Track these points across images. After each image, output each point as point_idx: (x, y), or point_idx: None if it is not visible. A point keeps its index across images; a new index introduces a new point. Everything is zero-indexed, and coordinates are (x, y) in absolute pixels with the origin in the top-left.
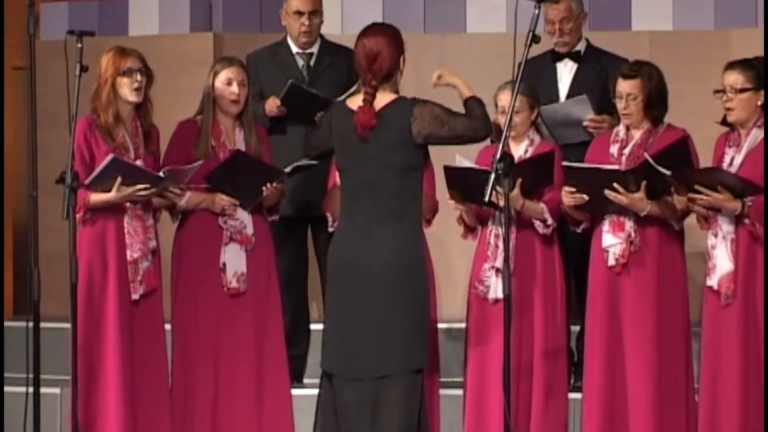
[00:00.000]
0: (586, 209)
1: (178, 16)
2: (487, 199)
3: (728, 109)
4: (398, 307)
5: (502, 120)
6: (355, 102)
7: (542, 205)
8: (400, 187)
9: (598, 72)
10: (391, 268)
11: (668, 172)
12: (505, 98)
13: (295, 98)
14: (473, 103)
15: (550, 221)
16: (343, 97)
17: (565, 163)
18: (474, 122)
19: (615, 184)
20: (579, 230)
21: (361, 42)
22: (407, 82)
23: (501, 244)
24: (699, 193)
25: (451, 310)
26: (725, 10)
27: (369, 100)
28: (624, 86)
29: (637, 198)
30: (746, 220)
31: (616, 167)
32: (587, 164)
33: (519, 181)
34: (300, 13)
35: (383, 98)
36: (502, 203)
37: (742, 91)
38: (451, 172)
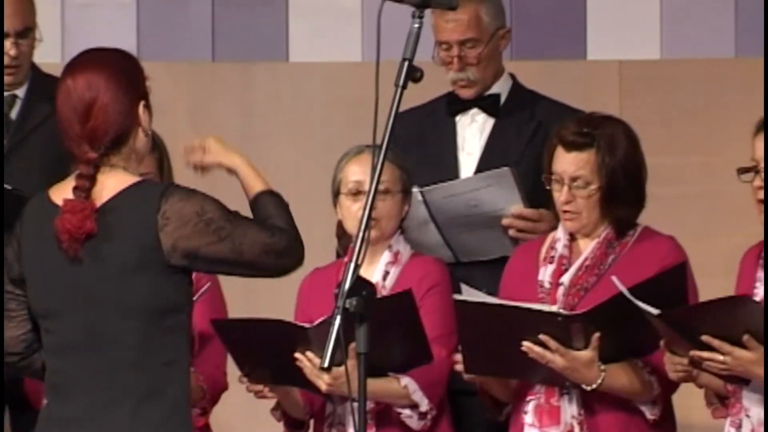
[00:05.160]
0: (501, 374)
1: None
2: (326, 363)
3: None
4: None
5: (350, 217)
6: (64, 191)
7: (405, 381)
8: (144, 346)
9: (532, 133)
10: None
11: (656, 312)
12: (355, 178)
13: None
14: (270, 203)
15: (425, 406)
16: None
17: (457, 297)
18: (276, 238)
19: (542, 336)
20: (501, 418)
21: (65, 84)
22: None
23: None
24: (711, 349)
25: None
26: (750, 29)
27: (84, 186)
28: (565, 163)
29: (583, 359)
30: None
31: (553, 308)
32: (499, 300)
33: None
34: None
35: (113, 181)
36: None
37: None
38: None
